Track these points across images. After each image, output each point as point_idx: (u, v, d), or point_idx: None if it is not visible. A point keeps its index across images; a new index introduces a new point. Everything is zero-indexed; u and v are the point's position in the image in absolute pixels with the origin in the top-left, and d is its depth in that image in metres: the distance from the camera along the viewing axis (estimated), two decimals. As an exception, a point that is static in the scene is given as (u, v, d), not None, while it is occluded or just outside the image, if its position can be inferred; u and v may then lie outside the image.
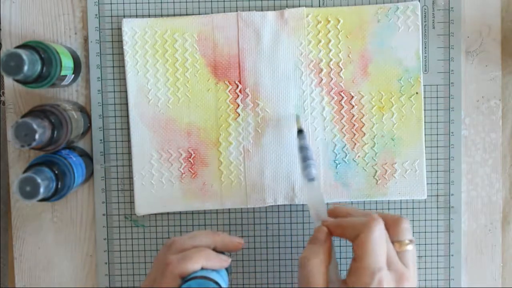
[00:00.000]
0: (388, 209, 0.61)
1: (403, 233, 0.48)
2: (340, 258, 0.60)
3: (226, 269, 0.53)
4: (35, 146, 0.49)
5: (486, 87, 0.61)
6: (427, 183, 0.60)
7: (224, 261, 0.50)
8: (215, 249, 0.52)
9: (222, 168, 0.60)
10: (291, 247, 0.61)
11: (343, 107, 0.59)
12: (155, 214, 0.61)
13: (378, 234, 0.46)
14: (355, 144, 0.60)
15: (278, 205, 0.61)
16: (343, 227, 0.48)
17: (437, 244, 0.61)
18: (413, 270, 0.48)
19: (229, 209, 0.61)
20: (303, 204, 0.61)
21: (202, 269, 0.49)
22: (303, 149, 0.56)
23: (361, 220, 0.48)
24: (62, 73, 0.53)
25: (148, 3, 0.59)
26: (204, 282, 0.46)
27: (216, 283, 0.47)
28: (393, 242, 0.48)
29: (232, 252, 0.54)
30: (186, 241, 0.51)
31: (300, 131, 0.57)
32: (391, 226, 0.49)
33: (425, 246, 0.61)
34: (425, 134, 0.60)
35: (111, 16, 0.59)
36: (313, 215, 0.52)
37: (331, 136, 0.60)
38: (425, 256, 0.61)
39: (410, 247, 0.48)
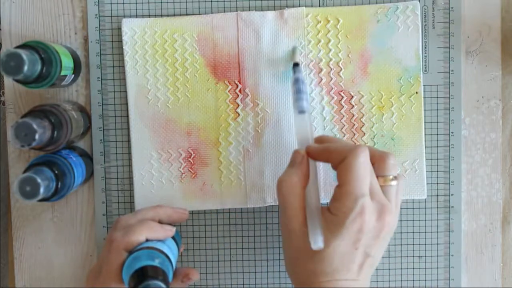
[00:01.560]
0: (388, 209, 0.61)
1: (388, 168, 0.48)
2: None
3: (176, 241, 0.54)
4: (35, 146, 0.49)
5: (486, 87, 0.61)
6: (427, 183, 0.60)
7: (168, 230, 0.52)
8: (161, 222, 0.54)
9: (222, 168, 0.60)
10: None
11: (343, 107, 0.59)
12: (155, 214, 0.61)
13: (363, 160, 0.46)
14: (355, 144, 0.60)
15: (278, 205, 0.61)
16: (329, 151, 0.48)
17: (437, 244, 0.61)
18: (395, 205, 0.48)
19: (229, 209, 0.61)
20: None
21: (147, 241, 0.50)
22: (297, 81, 0.54)
23: (347, 145, 0.48)
24: (62, 73, 0.53)
25: (148, 3, 0.59)
26: (149, 252, 0.47)
27: (161, 252, 0.48)
28: (377, 177, 0.48)
29: (178, 223, 0.56)
30: (130, 217, 0.52)
31: (296, 64, 0.56)
32: (377, 160, 0.48)
33: (425, 246, 0.61)
34: (425, 134, 0.60)
35: (111, 16, 0.59)
36: (300, 147, 0.51)
37: (331, 136, 0.60)
38: (425, 256, 0.61)
39: (394, 183, 0.48)
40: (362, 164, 0.46)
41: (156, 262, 0.47)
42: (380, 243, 0.48)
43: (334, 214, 0.46)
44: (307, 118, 0.52)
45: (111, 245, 0.49)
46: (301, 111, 0.52)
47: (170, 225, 0.54)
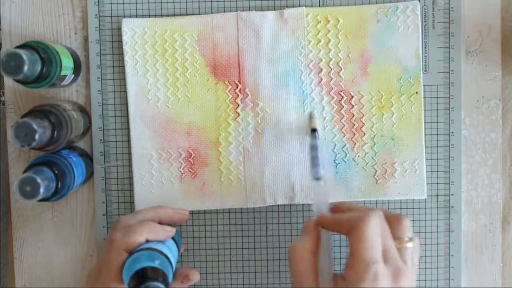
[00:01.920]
0: (388, 209, 0.61)
1: (403, 230, 0.48)
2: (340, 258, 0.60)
3: (176, 242, 0.54)
4: (35, 146, 0.49)
5: (486, 87, 0.61)
6: (427, 183, 0.60)
7: (168, 231, 0.52)
8: (161, 223, 0.54)
9: (222, 168, 0.60)
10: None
11: (343, 106, 0.59)
12: (155, 214, 0.61)
13: (373, 227, 0.45)
14: (355, 143, 0.60)
15: (278, 205, 0.61)
16: (338, 222, 0.48)
17: (437, 244, 0.61)
18: (411, 267, 0.48)
19: (229, 209, 0.61)
20: (303, 204, 0.61)
21: (148, 241, 0.50)
22: (314, 148, 0.55)
23: (356, 214, 0.47)
24: (62, 73, 0.53)
25: (148, 3, 0.59)
26: (149, 253, 0.47)
27: (161, 253, 0.48)
28: (394, 239, 0.48)
29: (178, 223, 0.56)
30: (130, 217, 0.52)
31: (313, 130, 0.57)
32: (392, 223, 0.48)
33: (425, 246, 0.61)
34: (425, 134, 0.60)
35: (111, 16, 0.59)
36: (316, 213, 0.51)
37: (330, 135, 0.60)
38: (425, 256, 0.61)
39: (409, 245, 0.48)
40: (372, 232, 0.45)
41: (156, 263, 0.47)
42: None
43: (348, 281, 0.45)
44: (323, 185, 0.52)
45: (111, 245, 0.49)
46: (317, 178, 0.53)
47: (170, 226, 0.54)
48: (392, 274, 0.45)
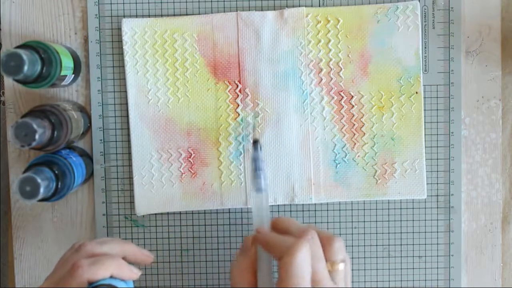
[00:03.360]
0: (388, 208, 0.61)
1: (335, 253, 0.48)
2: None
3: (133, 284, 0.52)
4: (35, 146, 0.49)
5: (486, 87, 0.61)
6: (427, 183, 0.60)
7: (134, 273, 0.50)
8: (124, 259, 0.51)
9: (222, 168, 0.60)
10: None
11: (343, 106, 0.59)
12: (155, 214, 0.61)
13: (302, 257, 0.45)
14: (355, 143, 0.60)
15: (278, 205, 0.61)
16: (270, 245, 0.47)
17: (437, 244, 0.61)
18: None
19: (229, 209, 0.61)
20: (303, 204, 0.61)
21: (111, 277, 0.48)
22: (255, 160, 0.54)
23: (287, 241, 0.46)
24: (62, 73, 0.53)
25: (148, 3, 0.59)
26: None
27: None
28: (326, 261, 0.47)
29: (141, 265, 0.53)
30: (96, 246, 0.50)
31: (255, 142, 0.55)
32: (324, 245, 0.48)
33: (425, 246, 0.61)
34: (425, 134, 0.60)
35: (111, 16, 0.59)
36: (255, 226, 0.51)
37: (330, 136, 0.60)
38: (425, 256, 0.61)
39: (341, 267, 0.47)
40: (299, 263, 0.45)
41: None
42: None
43: None
44: (264, 197, 0.52)
45: (75, 271, 0.46)
46: (258, 189, 0.52)
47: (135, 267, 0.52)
48: None
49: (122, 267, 0.48)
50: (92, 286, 0.46)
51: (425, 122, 0.60)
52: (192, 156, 0.60)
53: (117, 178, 0.60)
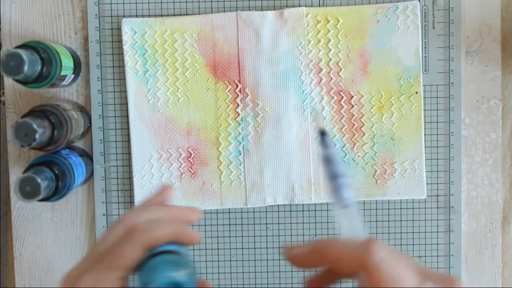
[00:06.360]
0: (388, 208, 0.61)
1: None
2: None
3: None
4: (35, 146, 0.49)
5: (486, 87, 0.61)
6: (427, 183, 0.60)
7: (196, 235, 0.40)
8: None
9: (221, 167, 0.60)
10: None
11: (343, 106, 0.59)
12: (155, 214, 0.61)
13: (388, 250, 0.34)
14: (355, 143, 0.60)
15: (278, 205, 0.61)
16: (338, 258, 0.35)
17: (437, 244, 0.61)
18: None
19: (229, 209, 0.61)
20: (303, 204, 0.61)
21: (169, 244, 0.39)
22: (329, 161, 0.38)
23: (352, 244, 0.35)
24: (62, 73, 0.53)
25: (148, 3, 0.59)
26: (180, 259, 0.37)
27: (188, 262, 0.37)
28: None
29: (190, 244, 0.41)
30: (143, 213, 0.40)
31: (322, 133, 0.39)
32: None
33: (425, 246, 0.61)
34: (425, 134, 0.60)
35: (111, 16, 0.59)
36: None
37: (330, 135, 0.60)
38: (425, 256, 0.61)
39: None
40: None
41: (181, 275, 0.35)
42: None
43: None
44: (353, 211, 0.37)
45: (131, 234, 0.37)
46: (344, 206, 0.37)
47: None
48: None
49: (183, 229, 0.40)
50: (153, 252, 0.37)
51: (425, 122, 0.60)
52: (192, 156, 0.60)
53: (117, 178, 0.60)
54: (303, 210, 0.61)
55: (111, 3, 0.59)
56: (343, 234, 0.37)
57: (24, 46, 0.51)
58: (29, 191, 0.49)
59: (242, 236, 0.61)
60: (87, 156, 0.60)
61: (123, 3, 0.59)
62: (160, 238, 0.38)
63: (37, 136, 0.48)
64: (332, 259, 0.35)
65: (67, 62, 0.54)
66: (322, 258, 0.35)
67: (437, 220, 0.61)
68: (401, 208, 0.61)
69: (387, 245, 0.34)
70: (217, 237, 0.61)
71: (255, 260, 0.61)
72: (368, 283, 0.33)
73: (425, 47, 0.60)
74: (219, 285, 0.61)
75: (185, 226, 0.40)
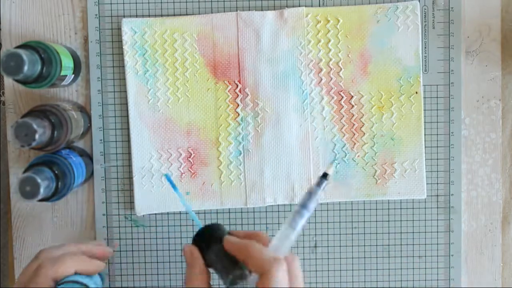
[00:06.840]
0: (388, 208, 0.61)
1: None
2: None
3: (101, 277, 0.53)
4: (35, 146, 0.49)
5: (486, 87, 0.61)
6: (427, 183, 0.60)
7: (99, 265, 0.50)
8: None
9: (221, 167, 0.60)
10: (291, 247, 0.61)
11: (343, 106, 0.59)
12: (155, 214, 0.61)
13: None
14: (355, 143, 0.60)
15: (278, 205, 0.61)
16: (251, 257, 0.45)
17: (437, 244, 0.61)
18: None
19: (229, 209, 0.61)
20: (303, 204, 0.61)
21: (76, 274, 0.48)
22: (311, 195, 0.47)
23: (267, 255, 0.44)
24: (62, 73, 0.53)
25: (148, 3, 0.59)
26: (74, 285, 0.47)
27: (87, 287, 0.47)
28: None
29: (103, 259, 0.53)
30: (54, 250, 0.50)
31: (324, 176, 0.47)
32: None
33: (425, 246, 0.61)
34: (425, 134, 0.60)
35: (111, 16, 0.59)
36: (272, 251, 0.46)
37: (330, 135, 0.60)
38: (425, 256, 0.61)
39: None
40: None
41: None
42: None
43: None
44: (293, 234, 0.46)
45: (39, 270, 0.47)
46: (291, 226, 0.46)
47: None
48: None
49: (84, 261, 0.49)
50: (59, 283, 0.47)
51: (425, 122, 0.60)
52: (192, 156, 0.60)
53: (117, 178, 0.60)
54: (303, 210, 0.61)
55: (111, 3, 0.59)
56: (272, 241, 0.46)
57: (24, 46, 0.51)
58: (29, 191, 0.49)
59: (242, 236, 0.61)
60: (87, 156, 0.60)
61: (123, 3, 0.59)
62: (64, 271, 0.47)
63: (37, 136, 0.48)
64: (246, 256, 0.44)
65: (67, 62, 0.54)
66: (241, 252, 0.45)
67: (437, 220, 0.61)
68: (401, 208, 0.61)
69: (286, 270, 0.43)
70: (217, 237, 0.61)
71: (255, 260, 0.61)
72: (260, 284, 0.43)
73: (425, 47, 0.60)
74: (219, 285, 0.61)
75: (86, 258, 0.49)
